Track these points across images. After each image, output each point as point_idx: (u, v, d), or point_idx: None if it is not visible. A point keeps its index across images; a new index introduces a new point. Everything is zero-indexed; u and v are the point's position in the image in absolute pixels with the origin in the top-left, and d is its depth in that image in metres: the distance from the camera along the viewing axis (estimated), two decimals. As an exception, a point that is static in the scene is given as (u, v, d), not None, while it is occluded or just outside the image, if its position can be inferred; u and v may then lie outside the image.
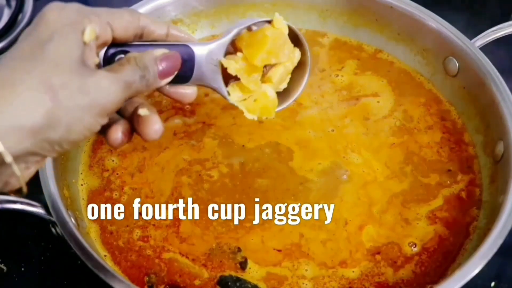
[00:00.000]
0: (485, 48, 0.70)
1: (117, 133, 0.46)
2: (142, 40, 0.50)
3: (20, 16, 0.85)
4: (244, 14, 0.79)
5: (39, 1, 0.88)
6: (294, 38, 0.56)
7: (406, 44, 0.76)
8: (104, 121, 0.44)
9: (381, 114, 0.72)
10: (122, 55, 0.47)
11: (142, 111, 0.47)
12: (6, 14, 0.86)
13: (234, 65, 0.53)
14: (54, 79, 0.40)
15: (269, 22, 0.55)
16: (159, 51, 0.47)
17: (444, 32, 0.72)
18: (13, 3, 0.86)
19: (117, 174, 0.66)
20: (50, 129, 0.40)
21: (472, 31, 0.72)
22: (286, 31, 0.55)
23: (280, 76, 0.56)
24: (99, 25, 0.45)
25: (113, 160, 0.67)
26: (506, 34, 0.72)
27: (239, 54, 0.54)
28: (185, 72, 0.50)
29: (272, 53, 0.54)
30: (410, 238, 0.62)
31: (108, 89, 0.43)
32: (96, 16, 0.45)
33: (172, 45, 0.50)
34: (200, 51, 0.51)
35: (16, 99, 0.39)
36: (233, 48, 0.54)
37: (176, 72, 0.49)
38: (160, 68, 0.47)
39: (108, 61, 0.48)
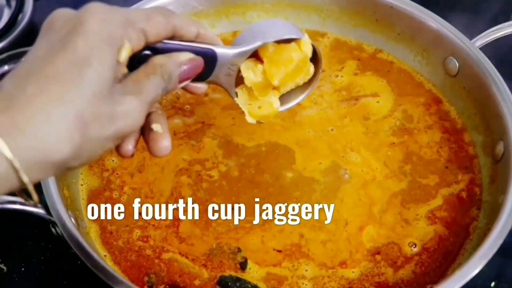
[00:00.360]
0: (485, 48, 0.70)
1: (128, 145, 0.46)
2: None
3: (20, 16, 0.85)
4: (244, 14, 0.79)
5: (39, 1, 0.88)
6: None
7: (406, 44, 0.76)
8: (121, 141, 0.44)
9: (380, 114, 0.72)
10: (148, 52, 0.46)
11: (155, 126, 0.46)
12: (6, 14, 0.86)
13: (252, 77, 0.53)
14: (87, 112, 0.39)
15: (291, 40, 0.54)
16: (185, 56, 0.46)
17: (444, 32, 0.72)
18: (13, 3, 0.86)
19: (117, 174, 0.66)
20: (74, 160, 0.40)
21: (472, 31, 0.72)
22: (310, 55, 0.55)
23: (289, 88, 0.57)
24: (136, 36, 0.43)
25: (113, 160, 0.67)
26: (506, 34, 0.72)
27: (259, 66, 0.53)
28: (204, 74, 0.50)
29: (292, 76, 0.55)
30: (410, 238, 0.62)
31: (134, 116, 0.42)
32: (133, 28, 0.43)
33: (197, 47, 0.49)
34: (223, 55, 0.51)
35: (48, 132, 0.37)
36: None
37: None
38: (182, 74, 0.46)
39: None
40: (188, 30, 0.48)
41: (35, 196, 0.40)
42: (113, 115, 0.40)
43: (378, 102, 0.73)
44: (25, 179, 0.37)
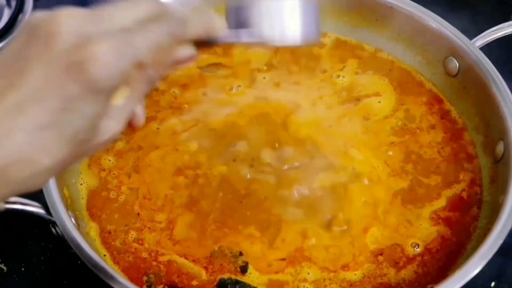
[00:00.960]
0: (485, 48, 0.70)
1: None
2: None
3: (20, 16, 0.85)
4: (244, 14, 0.79)
5: (39, 1, 0.88)
6: None
7: (406, 44, 0.76)
8: None
9: (382, 113, 0.72)
10: None
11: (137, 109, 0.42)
12: (6, 14, 0.86)
13: None
14: (68, 156, 0.36)
15: None
16: (185, 53, 0.42)
17: (444, 32, 0.72)
18: (13, 3, 0.86)
19: (114, 174, 0.66)
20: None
21: (472, 31, 0.72)
22: None
23: None
24: (136, 78, 0.38)
25: (109, 160, 0.67)
26: (506, 34, 0.72)
27: None
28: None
29: None
30: (413, 238, 0.62)
31: (115, 137, 0.39)
32: (137, 71, 0.38)
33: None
34: (224, 40, 0.48)
35: (26, 177, 0.35)
36: None
37: None
38: (174, 67, 0.43)
39: None
40: (197, 37, 0.44)
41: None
42: (94, 147, 0.38)
43: (379, 102, 0.73)
44: None
